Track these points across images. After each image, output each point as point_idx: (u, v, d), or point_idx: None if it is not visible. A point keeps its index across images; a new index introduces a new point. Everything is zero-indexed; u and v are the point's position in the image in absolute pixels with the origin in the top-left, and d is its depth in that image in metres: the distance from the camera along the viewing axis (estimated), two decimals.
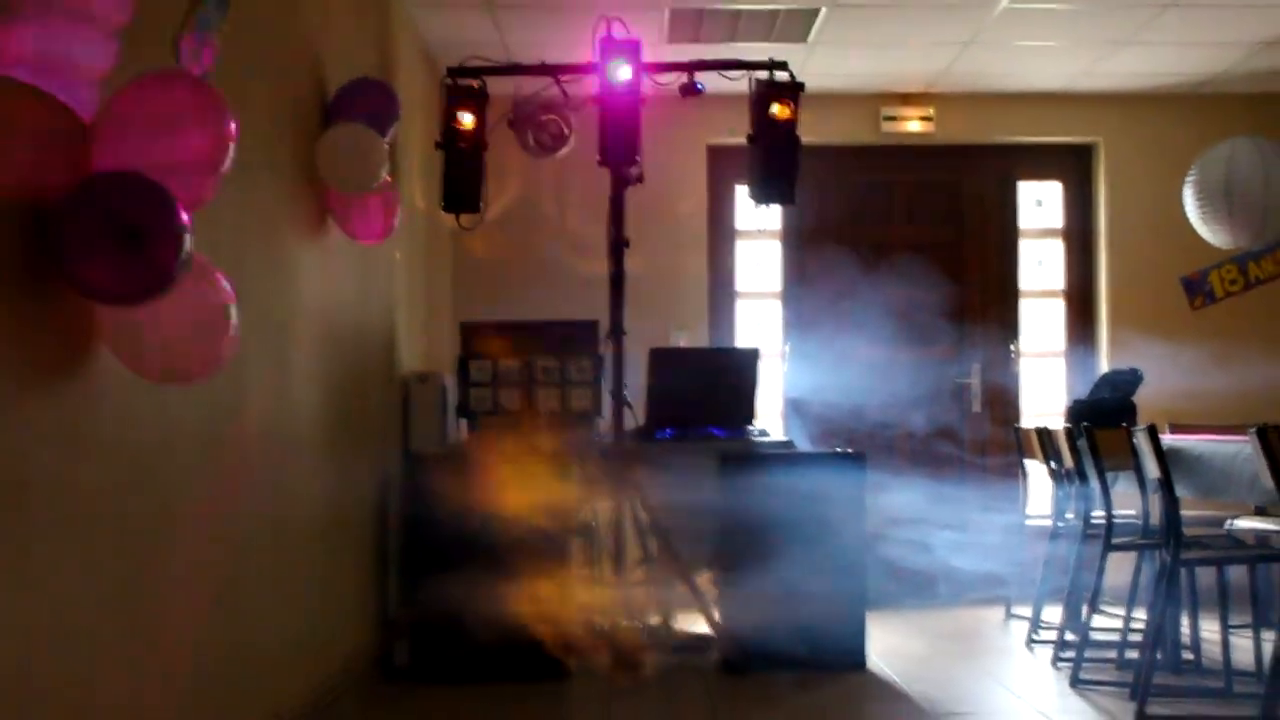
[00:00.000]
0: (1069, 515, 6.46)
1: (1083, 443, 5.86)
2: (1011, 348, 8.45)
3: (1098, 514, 5.81)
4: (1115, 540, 5.67)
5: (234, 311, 2.88)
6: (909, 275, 8.15)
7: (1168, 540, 5.09)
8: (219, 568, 3.71)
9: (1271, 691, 4.41)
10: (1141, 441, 5.19)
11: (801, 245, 8.39)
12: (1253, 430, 4.34)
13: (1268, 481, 4.35)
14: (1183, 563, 5.17)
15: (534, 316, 6.87)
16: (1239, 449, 4.75)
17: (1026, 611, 6.78)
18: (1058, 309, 8.63)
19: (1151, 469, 5.15)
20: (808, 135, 6.56)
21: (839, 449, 6.22)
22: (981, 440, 8.38)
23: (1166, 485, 5.06)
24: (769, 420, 7.75)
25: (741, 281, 8.53)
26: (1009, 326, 8.52)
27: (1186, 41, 7.37)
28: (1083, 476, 5.97)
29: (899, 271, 8.19)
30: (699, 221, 8.34)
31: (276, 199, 4.29)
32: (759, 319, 8.49)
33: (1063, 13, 6.89)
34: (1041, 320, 8.62)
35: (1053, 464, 6.60)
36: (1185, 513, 5.21)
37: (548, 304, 7.39)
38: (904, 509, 7.10)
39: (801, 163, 6.60)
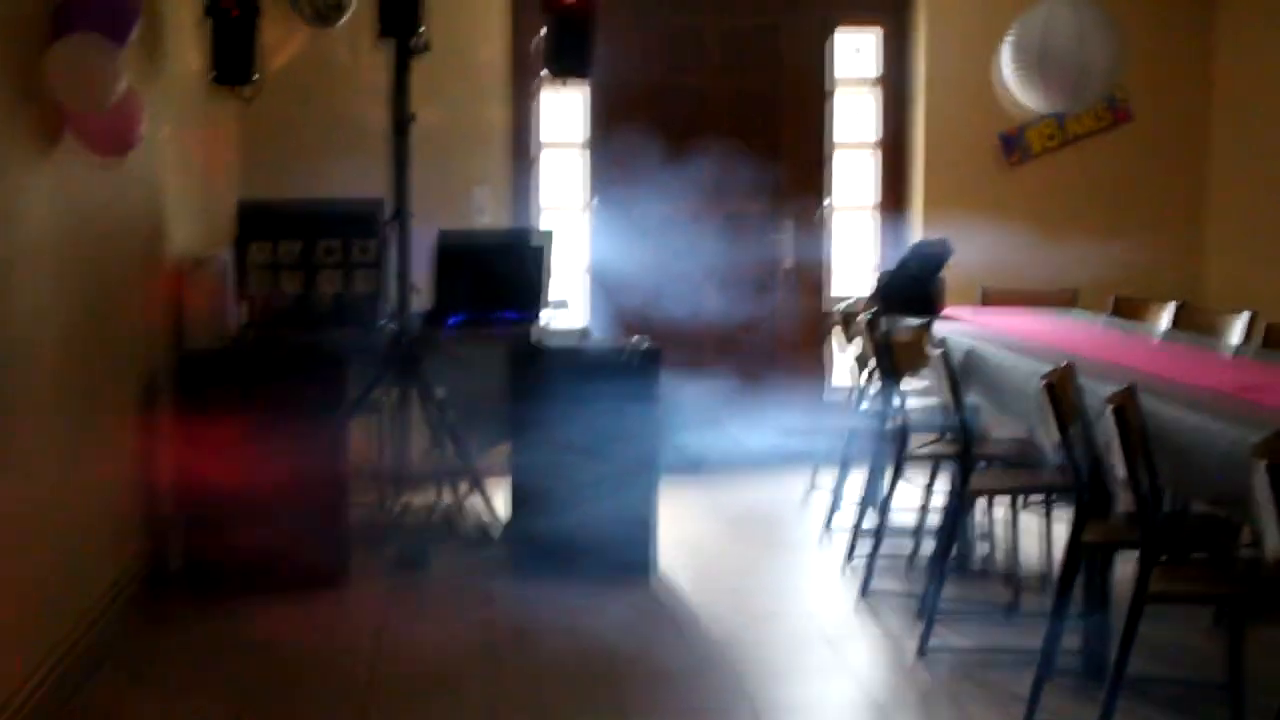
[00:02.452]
0: (869, 403, 6.30)
1: (883, 342, 5.70)
2: (825, 203, 8.19)
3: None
4: (911, 446, 5.57)
5: None
6: (721, 128, 7.88)
7: (959, 460, 4.99)
8: None
9: (1055, 614, 4.29)
10: (934, 357, 5.03)
11: (609, 94, 7.93)
12: (1043, 382, 4.16)
13: (1054, 432, 4.19)
14: (972, 494, 5.08)
15: (330, 188, 6.51)
16: (1032, 372, 4.53)
17: (830, 481, 6.66)
18: (870, 165, 8.37)
19: (944, 390, 5.01)
20: None
21: (634, 344, 5.91)
22: (790, 313, 8.13)
23: (958, 408, 4.93)
24: (570, 291, 7.47)
25: (546, 133, 8.09)
26: (821, 184, 8.23)
27: None
28: (884, 372, 5.81)
29: (711, 124, 7.90)
30: (501, 68, 7.84)
31: None
32: (564, 173, 8.10)
33: None
34: (854, 178, 8.37)
35: (854, 352, 6.45)
36: None
37: (343, 174, 6.87)
38: (705, 394, 6.93)
39: (602, 20, 6.37)
